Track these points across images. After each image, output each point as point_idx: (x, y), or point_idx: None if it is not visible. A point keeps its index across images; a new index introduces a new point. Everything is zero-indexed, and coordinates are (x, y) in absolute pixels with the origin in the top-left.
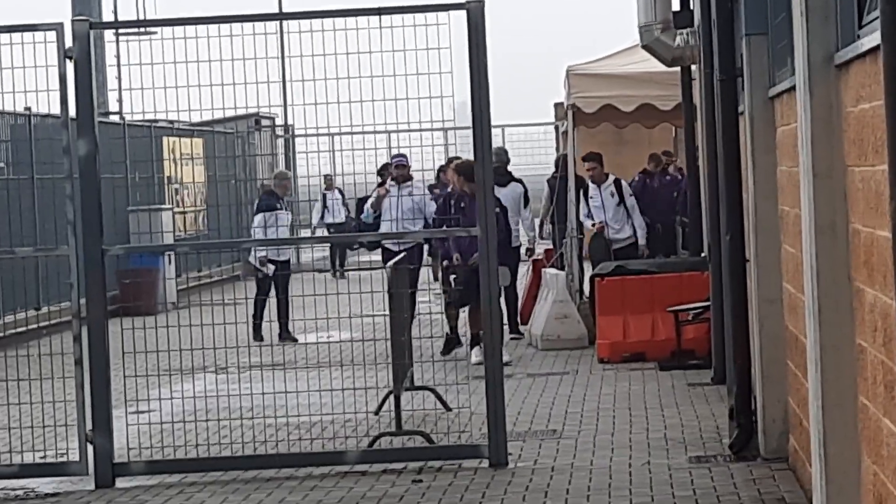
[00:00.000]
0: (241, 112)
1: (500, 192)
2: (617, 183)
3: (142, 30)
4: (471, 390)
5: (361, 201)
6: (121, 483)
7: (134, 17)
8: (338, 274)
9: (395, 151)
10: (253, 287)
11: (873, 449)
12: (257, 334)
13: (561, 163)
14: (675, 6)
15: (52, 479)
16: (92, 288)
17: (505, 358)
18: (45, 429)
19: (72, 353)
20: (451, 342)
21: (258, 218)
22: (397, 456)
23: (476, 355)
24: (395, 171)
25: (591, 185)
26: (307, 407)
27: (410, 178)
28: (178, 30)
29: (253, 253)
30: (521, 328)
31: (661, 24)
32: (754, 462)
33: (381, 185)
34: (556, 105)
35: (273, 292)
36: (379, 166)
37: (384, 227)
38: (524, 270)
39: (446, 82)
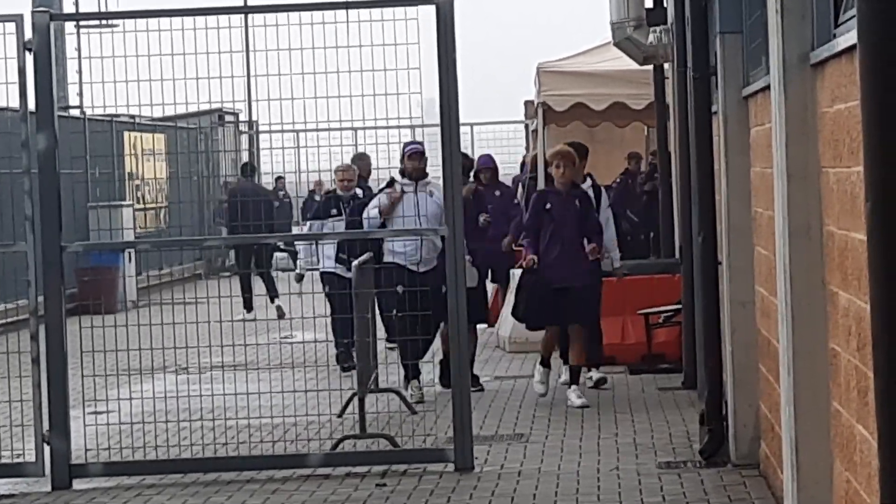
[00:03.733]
0: (204, 107)
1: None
2: (596, 188)
3: (103, 22)
4: (436, 393)
5: (359, 205)
6: (78, 485)
7: (95, 9)
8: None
9: (360, 149)
10: (214, 286)
11: (846, 455)
12: (347, 359)
13: (530, 163)
14: (649, 3)
15: (7, 480)
16: (50, 285)
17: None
18: (1, 429)
19: (29, 352)
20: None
21: (310, 227)
22: (361, 459)
23: (577, 397)
24: (409, 163)
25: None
26: (269, 409)
27: (427, 173)
28: (141, 22)
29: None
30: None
31: (634, 22)
32: (725, 468)
33: (389, 185)
34: (527, 103)
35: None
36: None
37: (399, 243)
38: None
39: (414, 79)
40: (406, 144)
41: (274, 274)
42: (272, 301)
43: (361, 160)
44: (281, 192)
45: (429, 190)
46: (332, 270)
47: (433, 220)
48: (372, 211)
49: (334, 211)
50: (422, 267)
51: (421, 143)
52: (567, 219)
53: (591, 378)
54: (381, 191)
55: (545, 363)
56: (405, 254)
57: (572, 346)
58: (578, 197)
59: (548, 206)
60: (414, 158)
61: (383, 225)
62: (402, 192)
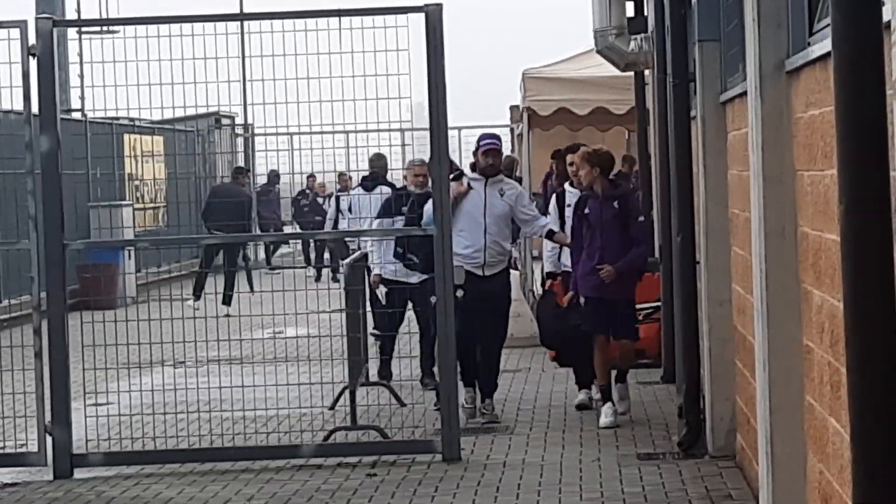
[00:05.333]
0: (201, 111)
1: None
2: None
3: (104, 28)
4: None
5: (420, 200)
6: (79, 474)
7: (97, 16)
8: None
9: (352, 151)
10: (211, 284)
11: (819, 447)
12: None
13: (514, 166)
14: (630, 12)
15: (10, 469)
16: (52, 282)
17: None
18: (5, 420)
19: (32, 346)
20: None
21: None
22: (352, 450)
23: (607, 415)
24: (482, 159)
25: (569, 190)
26: (264, 401)
27: (500, 171)
28: (141, 29)
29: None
30: None
31: (616, 30)
32: (702, 459)
33: (455, 177)
34: (512, 108)
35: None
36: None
37: (461, 243)
38: None
39: (404, 84)
40: (481, 137)
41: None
42: (227, 304)
43: (379, 160)
44: (308, 191)
45: (499, 188)
46: (392, 277)
47: (500, 221)
48: (430, 206)
49: (405, 209)
50: (487, 270)
51: (498, 139)
52: (605, 225)
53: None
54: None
55: (607, 395)
56: (464, 255)
57: (621, 358)
58: (618, 199)
59: (586, 210)
60: (488, 155)
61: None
62: (469, 187)
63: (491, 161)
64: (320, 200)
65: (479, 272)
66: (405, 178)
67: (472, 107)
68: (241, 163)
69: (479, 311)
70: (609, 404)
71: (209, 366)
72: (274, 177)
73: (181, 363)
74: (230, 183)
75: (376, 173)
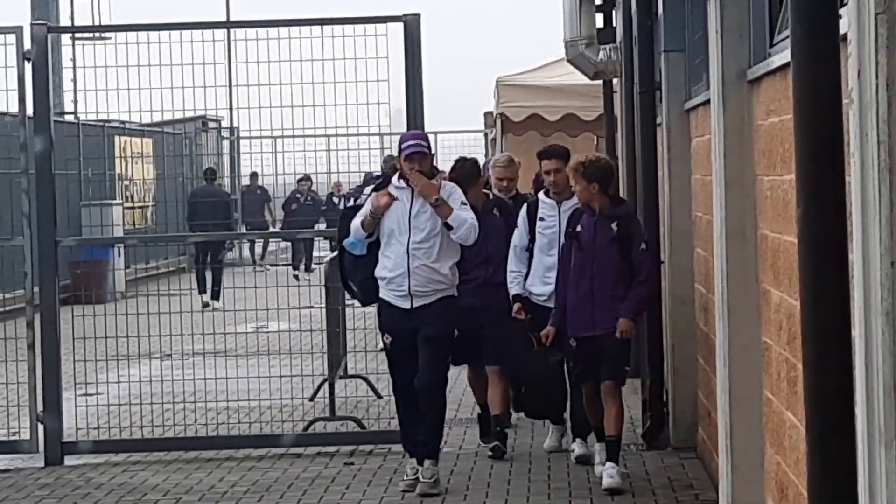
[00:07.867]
0: (189, 114)
1: None
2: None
3: (97, 35)
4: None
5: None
6: (69, 461)
7: (90, 23)
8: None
9: (333, 154)
10: (194, 280)
11: (776, 440)
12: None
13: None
14: (599, 23)
15: (3, 456)
16: (45, 277)
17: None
18: None
19: (25, 338)
20: (485, 422)
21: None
22: (330, 440)
23: (609, 476)
24: (405, 164)
25: (543, 201)
26: (246, 392)
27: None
28: (132, 35)
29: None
30: None
31: (586, 40)
32: (665, 451)
33: (378, 186)
34: (486, 114)
35: None
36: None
37: (384, 266)
38: None
39: (383, 90)
40: (403, 138)
41: (272, 268)
42: (216, 298)
43: (392, 161)
44: (299, 195)
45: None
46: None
47: (432, 238)
48: (356, 221)
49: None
50: (415, 301)
51: (424, 139)
52: (597, 250)
53: (572, 450)
54: (372, 191)
55: (600, 436)
56: (387, 281)
57: (606, 412)
58: (617, 220)
59: (578, 228)
60: (412, 160)
61: (377, 242)
62: (392, 197)
63: (417, 168)
64: (336, 200)
65: (406, 304)
66: (487, 180)
67: (448, 112)
68: (226, 164)
69: (413, 356)
70: (611, 464)
71: (195, 358)
72: (252, 177)
73: (168, 355)
74: (208, 185)
75: (389, 175)
